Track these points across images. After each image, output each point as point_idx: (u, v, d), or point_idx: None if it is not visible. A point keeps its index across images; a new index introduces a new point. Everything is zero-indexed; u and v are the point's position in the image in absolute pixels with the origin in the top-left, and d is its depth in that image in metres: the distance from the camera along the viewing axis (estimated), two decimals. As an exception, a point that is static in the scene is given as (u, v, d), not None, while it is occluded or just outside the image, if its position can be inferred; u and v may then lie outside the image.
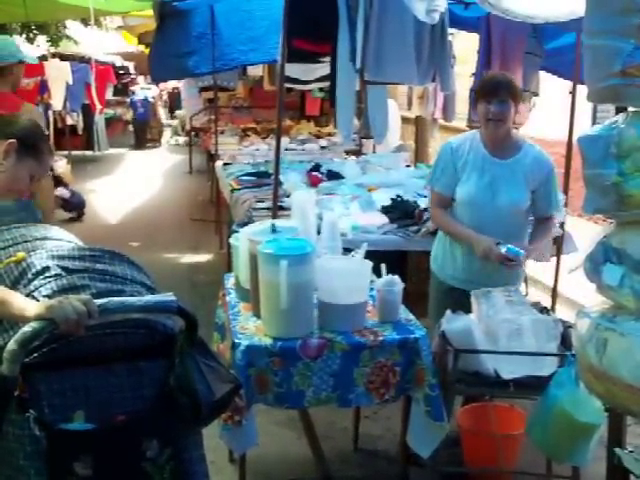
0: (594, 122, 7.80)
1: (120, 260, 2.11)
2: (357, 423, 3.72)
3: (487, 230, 3.26)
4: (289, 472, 3.49)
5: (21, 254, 2.05)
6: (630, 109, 1.93)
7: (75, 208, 9.48)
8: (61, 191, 9.46)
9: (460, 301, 3.13)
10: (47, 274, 1.96)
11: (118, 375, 1.83)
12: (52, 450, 1.73)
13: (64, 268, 1.98)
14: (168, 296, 1.87)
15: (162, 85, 19.55)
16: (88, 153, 15.40)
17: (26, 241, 2.27)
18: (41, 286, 1.91)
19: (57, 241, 2.34)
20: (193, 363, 1.89)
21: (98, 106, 11.85)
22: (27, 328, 1.67)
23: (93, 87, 6.61)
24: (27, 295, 1.89)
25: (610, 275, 1.93)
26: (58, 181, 9.68)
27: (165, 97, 21.39)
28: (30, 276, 1.97)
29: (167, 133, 19.50)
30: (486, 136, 3.36)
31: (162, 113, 20.74)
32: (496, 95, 3.23)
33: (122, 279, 2.02)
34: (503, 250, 3.13)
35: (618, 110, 2.01)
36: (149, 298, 1.88)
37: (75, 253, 2.08)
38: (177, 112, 18.87)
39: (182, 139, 17.62)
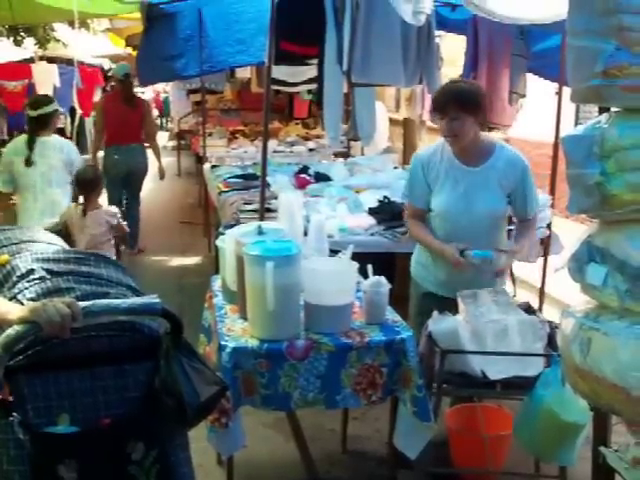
0: (577, 123, 7.84)
1: (105, 263, 2.11)
2: (345, 425, 3.72)
3: (465, 239, 3.20)
4: (277, 474, 3.48)
5: (5, 257, 2.05)
6: (612, 109, 1.94)
7: None
8: None
9: (439, 307, 3.10)
10: (32, 277, 1.95)
11: (103, 378, 1.82)
12: (36, 454, 1.72)
13: (49, 271, 1.98)
14: (152, 298, 1.87)
15: (154, 88, 19.43)
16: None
17: (12, 244, 2.26)
18: (25, 289, 1.90)
19: (43, 244, 2.33)
20: (178, 365, 1.89)
21: (78, 111, 11.92)
22: (10, 331, 1.67)
23: (74, 90, 6.62)
24: (11, 298, 1.89)
25: (594, 275, 1.94)
26: None
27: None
28: (15, 279, 1.97)
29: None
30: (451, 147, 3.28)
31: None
32: (445, 112, 3.13)
33: (107, 281, 2.02)
34: (470, 257, 3.08)
35: (601, 110, 2.02)
36: (133, 300, 1.88)
37: (60, 256, 2.08)
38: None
39: (170, 142, 17.53)
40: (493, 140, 3.35)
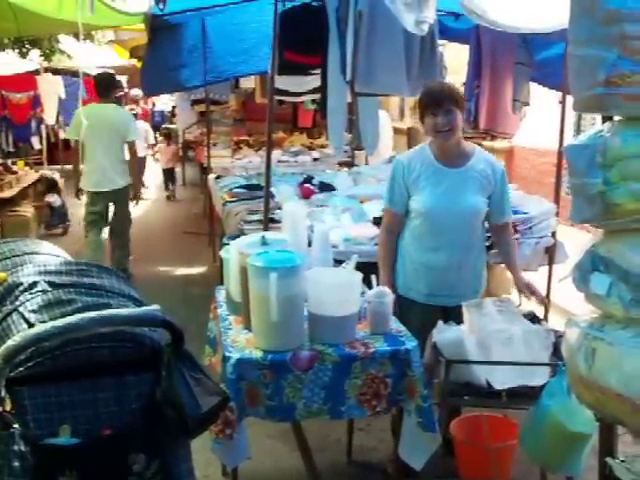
0: (578, 132, 7.82)
1: (107, 273, 2.11)
2: (350, 435, 3.71)
3: (447, 238, 3.26)
4: (282, 485, 3.47)
5: (2, 275, 2.05)
6: (615, 118, 1.93)
7: (59, 221, 9.46)
8: (54, 198, 9.44)
9: (423, 317, 3.08)
10: (34, 289, 1.95)
11: (104, 389, 1.82)
12: (37, 465, 1.71)
13: (51, 283, 1.97)
14: (153, 308, 1.87)
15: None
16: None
17: (14, 255, 2.27)
18: (27, 301, 1.90)
19: (45, 256, 2.33)
20: (180, 376, 1.88)
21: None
22: (11, 342, 1.66)
23: (80, 101, 6.70)
24: (13, 310, 1.89)
25: (598, 284, 1.93)
26: (52, 186, 9.66)
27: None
28: (17, 292, 1.97)
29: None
30: (437, 148, 3.34)
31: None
32: (441, 106, 3.21)
33: (109, 292, 2.01)
34: None
35: (604, 119, 2.02)
36: (134, 310, 1.87)
37: (62, 268, 2.08)
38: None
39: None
40: (473, 145, 3.45)
